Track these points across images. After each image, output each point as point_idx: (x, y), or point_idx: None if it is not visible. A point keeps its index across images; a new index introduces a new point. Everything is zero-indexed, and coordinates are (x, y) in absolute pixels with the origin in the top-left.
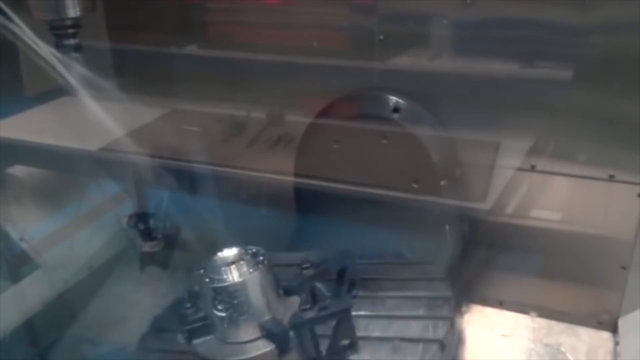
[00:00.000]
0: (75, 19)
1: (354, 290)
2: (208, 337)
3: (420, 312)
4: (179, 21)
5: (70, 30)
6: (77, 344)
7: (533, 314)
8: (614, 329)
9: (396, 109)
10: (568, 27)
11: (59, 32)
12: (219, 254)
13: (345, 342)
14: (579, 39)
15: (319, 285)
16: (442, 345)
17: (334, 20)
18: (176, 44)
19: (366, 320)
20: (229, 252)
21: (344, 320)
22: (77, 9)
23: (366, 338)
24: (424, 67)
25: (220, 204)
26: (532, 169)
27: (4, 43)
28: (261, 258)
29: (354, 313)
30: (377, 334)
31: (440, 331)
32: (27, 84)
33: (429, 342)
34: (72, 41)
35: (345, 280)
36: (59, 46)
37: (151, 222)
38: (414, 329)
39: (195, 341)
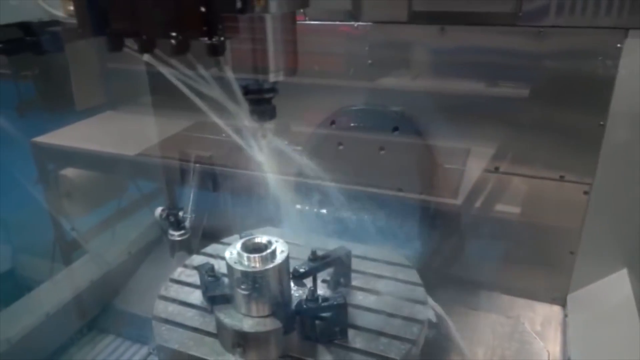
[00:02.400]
0: (275, 82)
1: (348, 279)
2: (227, 306)
3: (400, 312)
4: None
5: (268, 95)
6: (118, 315)
7: (498, 291)
8: (564, 303)
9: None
10: (525, 53)
11: (254, 96)
12: (249, 239)
13: (337, 328)
14: (535, 63)
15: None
16: (414, 344)
17: (331, 47)
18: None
19: (355, 310)
20: (258, 240)
21: (340, 312)
22: (280, 72)
23: (351, 326)
24: (406, 86)
25: (237, 199)
26: (496, 170)
27: (56, 66)
28: (282, 250)
29: None
30: (361, 323)
31: (414, 333)
32: (77, 100)
33: (404, 341)
34: (268, 107)
35: (342, 272)
36: (253, 112)
37: (180, 215)
38: (393, 326)
39: (216, 306)
